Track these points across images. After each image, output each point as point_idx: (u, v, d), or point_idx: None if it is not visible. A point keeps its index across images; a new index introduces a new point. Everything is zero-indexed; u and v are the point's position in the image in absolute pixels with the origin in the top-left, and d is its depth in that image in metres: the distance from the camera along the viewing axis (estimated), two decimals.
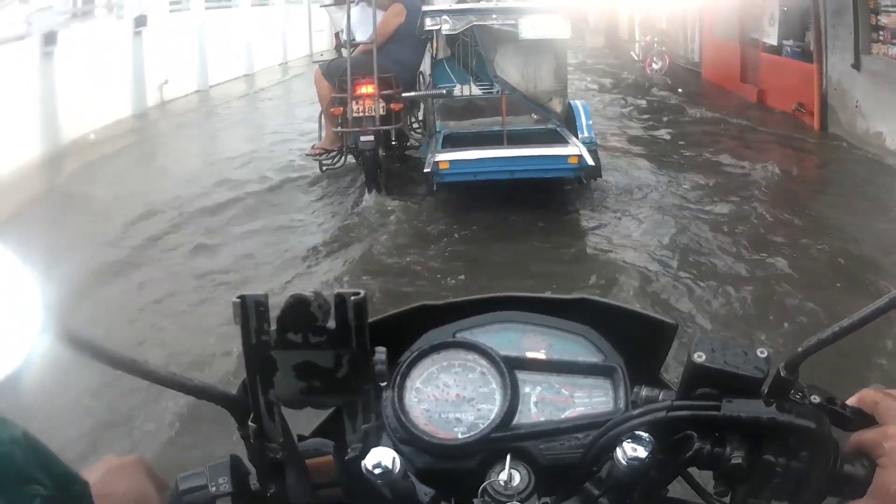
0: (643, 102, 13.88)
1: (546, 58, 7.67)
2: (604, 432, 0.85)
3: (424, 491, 0.87)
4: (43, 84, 9.61)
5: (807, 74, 11.12)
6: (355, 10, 8.04)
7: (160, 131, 11.86)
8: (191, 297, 5.49)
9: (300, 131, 10.57)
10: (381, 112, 7.26)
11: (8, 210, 7.12)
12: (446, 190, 7.09)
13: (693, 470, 0.86)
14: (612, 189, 7.71)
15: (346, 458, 0.84)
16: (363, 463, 0.80)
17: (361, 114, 7.28)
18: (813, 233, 6.52)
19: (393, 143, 7.92)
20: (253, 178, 8.35)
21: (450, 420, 0.92)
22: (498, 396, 0.92)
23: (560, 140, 7.31)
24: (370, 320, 0.92)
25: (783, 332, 4.70)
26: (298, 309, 0.76)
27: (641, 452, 0.80)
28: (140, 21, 12.63)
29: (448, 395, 0.93)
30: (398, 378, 0.93)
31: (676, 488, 0.90)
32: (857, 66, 9.83)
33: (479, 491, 0.85)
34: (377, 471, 0.79)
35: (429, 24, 7.30)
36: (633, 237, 6.51)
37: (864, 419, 0.82)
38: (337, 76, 7.56)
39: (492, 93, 7.82)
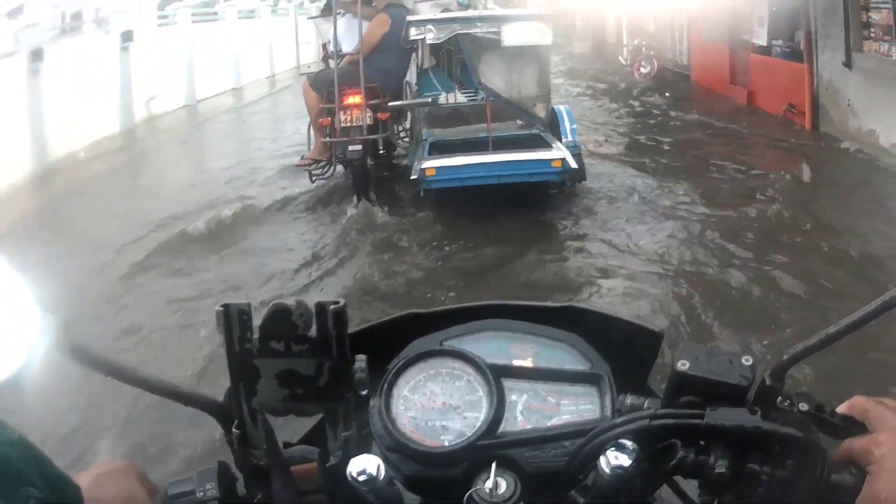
0: (631, 107, 13.97)
1: (529, 64, 7.89)
2: (588, 441, 0.87)
3: (410, 498, 0.92)
4: (30, 101, 9.77)
5: (797, 74, 11.19)
6: (341, 22, 8.21)
7: (148, 149, 11.94)
8: (168, 328, 5.29)
9: (288, 144, 10.72)
10: (369, 122, 7.42)
11: None
12: (434, 196, 7.27)
13: (679, 478, 0.89)
14: (600, 195, 7.85)
15: (328, 465, 0.86)
16: (348, 470, 0.83)
17: (349, 124, 7.44)
18: (811, 234, 6.58)
19: (381, 151, 8.11)
20: (239, 197, 8.35)
21: (436, 428, 0.94)
22: (484, 404, 0.94)
23: (544, 144, 7.51)
24: (359, 328, 1.02)
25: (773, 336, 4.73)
26: (280, 318, 0.78)
27: (625, 461, 0.82)
28: (127, 36, 12.80)
29: (435, 403, 0.96)
30: (385, 386, 0.96)
31: (663, 496, 0.94)
32: (848, 64, 9.86)
33: (465, 499, 0.87)
34: (362, 478, 0.82)
35: (414, 33, 7.52)
36: (621, 244, 6.63)
37: (854, 427, 0.82)
38: (324, 87, 7.73)
39: (476, 100, 8.07)
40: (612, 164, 9.17)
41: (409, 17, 7.87)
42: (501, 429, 0.93)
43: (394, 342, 1.02)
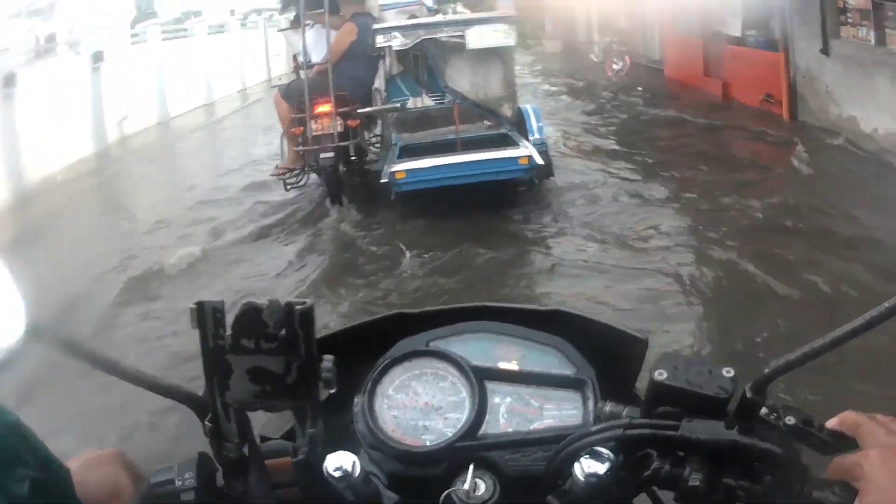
0: (604, 105, 14.08)
1: (494, 66, 8.14)
2: (563, 447, 0.88)
3: (388, 496, 0.94)
4: (4, 127, 9.93)
5: (773, 64, 11.21)
6: (310, 33, 8.49)
7: (121, 171, 11.98)
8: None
9: (260, 157, 10.87)
10: (339, 129, 7.62)
11: None
12: (406, 198, 7.51)
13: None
14: (571, 194, 8.06)
15: (295, 460, 0.88)
16: (324, 466, 0.86)
17: (320, 132, 7.64)
18: (795, 229, 6.61)
19: (352, 158, 8.32)
20: (213, 218, 8.35)
21: (418, 427, 0.96)
22: (467, 406, 0.96)
23: (511, 143, 7.76)
24: (346, 327, 1.07)
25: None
26: (250, 316, 0.80)
27: (600, 468, 0.83)
28: (97, 57, 12.99)
29: (417, 403, 0.98)
30: (370, 384, 0.98)
31: None
32: (825, 51, 9.85)
33: (442, 498, 0.89)
34: (337, 473, 0.85)
35: (380, 40, 7.77)
36: (590, 238, 6.84)
37: (844, 443, 0.81)
38: (295, 97, 7.93)
39: (444, 103, 8.33)
40: (583, 164, 9.33)
41: (375, 25, 8.09)
42: (483, 431, 0.95)
43: (381, 341, 1.05)
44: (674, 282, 5.75)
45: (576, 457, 0.85)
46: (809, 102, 10.60)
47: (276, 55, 20.69)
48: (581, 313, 1.10)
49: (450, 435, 0.93)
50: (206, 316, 0.80)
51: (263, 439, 0.97)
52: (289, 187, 8.33)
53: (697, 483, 0.81)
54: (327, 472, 0.85)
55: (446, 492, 0.89)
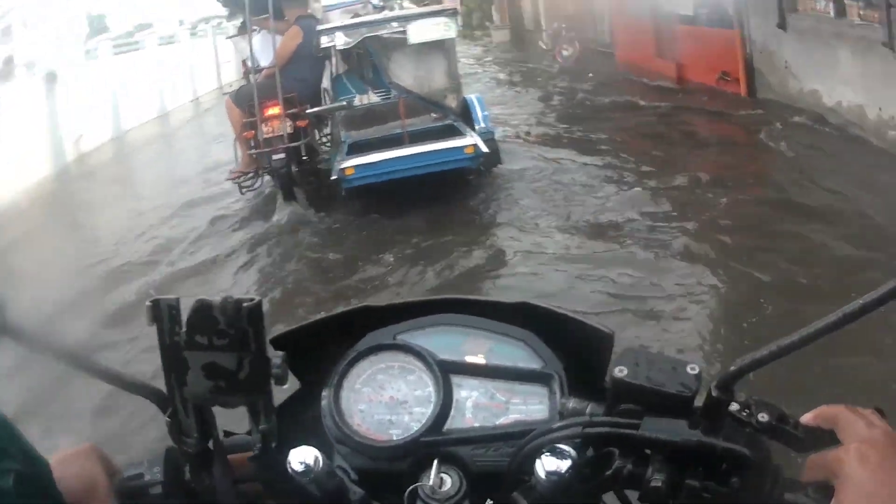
0: (553, 93, 14.20)
1: (437, 58, 8.40)
2: (524, 444, 0.88)
3: (354, 490, 0.93)
4: None
5: (728, 41, 11.23)
6: (257, 38, 8.71)
7: (79, 191, 12.06)
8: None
9: (213, 165, 10.96)
10: (289, 130, 7.86)
11: None
12: (357, 193, 7.80)
13: None
14: (519, 183, 8.28)
15: (250, 456, 0.89)
16: (288, 461, 0.86)
17: (271, 134, 7.89)
18: (765, 215, 6.51)
19: (304, 158, 8.57)
20: (173, 235, 8.38)
21: (384, 422, 0.97)
22: (432, 400, 0.97)
23: (457, 133, 8.05)
24: (312, 320, 1.09)
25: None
26: (203, 312, 0.80)
27: (561, 466, 0.83)
28: (51, 77, 13.10)
29: (383, 397, 0.99)
30: (336, 378, 0.99)
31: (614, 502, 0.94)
32: (782, 25, 9.84)
33: (407, 494, 0.90)
34: (300, 468, 0.85)
35: (324, 41, 8.03)
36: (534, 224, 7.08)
37: (822, 438, 0.79)
38: (246, 102, 8.17)
39: (389, 98, 8.61)
40: (534, 153, 9.51)
41: (319, 27, 8.34)
42: (449, 426, 0.96)
43: (348, 335, 1.06)
44: (632, 260, 5.96)
45: (537, 454, 0.85)
46: (768, 78, 10.66)
47: (226, 62, 20.85)
48: (548, 306, 1.09)
49: (415, 429, 0.95)
50: (162, 313, 0.82)
51: (228, 434, 0.99)
52: (244, 190, 8.58)
53: (659, 484, 0.80)
54: (290, 467, 0.86)
55: (411, 487, 0.90)
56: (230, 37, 11.49)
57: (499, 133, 9.69)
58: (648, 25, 14.52)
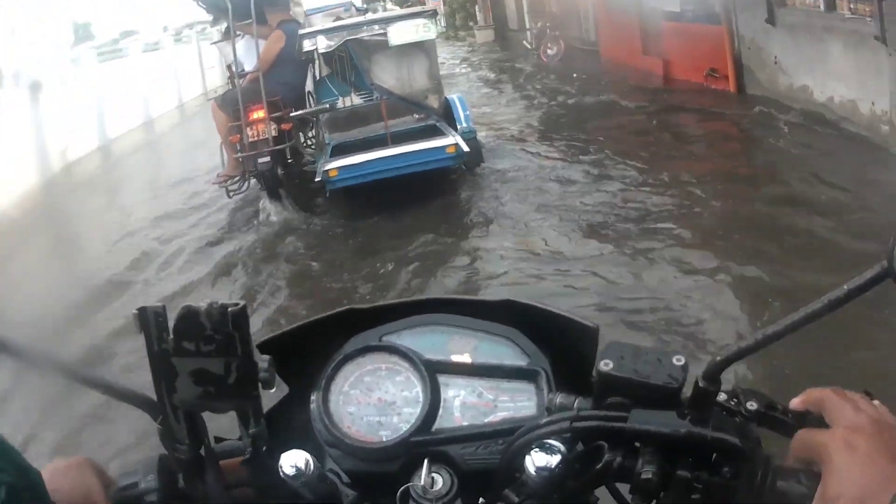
0: (538, 92, 14.20)
1: (417, 60, 8.56)
2: (513, 441, 0.89)
3: (346, 493, 0.95)
4: None
5: (716, 37, 11.13)
6: (241, 43, 8.89)
7: (67, 202, 12.01)
8: None
9: (200, 172, 10.97)
10: (274, 133, 8.04)
11: None
12: (342, 194, 7.97)
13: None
14: (503, 188, 8.29)
15: (242, 460, 0.91)
16: (279, 465, 0.87)
17: (256, 138, 8.05)
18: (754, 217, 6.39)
19: (289, 160, 8.72)
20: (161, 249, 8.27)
21: (373, 423, 0.97)
22: (420, 400, 0.98)
23: (438, 133, 8.23)
24: (298, 324, 1.09)
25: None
26: (190, 319, 0.81)
27: (550, 461, 0.83)
28: (35, 87, 13.15)
29: (372, 399, 0.99)
30: (324, 381, 1.00)
31: (607, 496, 0.94)
32: (771, 20, 9.79)
33: (399, 494, 0.91)
34: (291, 472, 0.87)
35: (306, 45, 8.17)
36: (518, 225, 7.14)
37: (812, 422, 0.80)
38: (231, 106, 8.31)
39: (372, 100, 8.80)
40: (519, 155, 9.54)
41: (301, 31, 8.49)
42: (437, 425, 0.97)
43: (334, 338, 1.07)
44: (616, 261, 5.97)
45: (526, 450, 0.85)
46: (757, 74, 10.64)
47: (210, 68, 20.92)
48: (532, 302, 1.09)
49: (404, 430, 0.95)
50: (149, 320, 0.82)
51: (219, 440, 1.01)
52: (231, 194, 8.73)
53: (650, 476, 0.80)
54: (282, 471, 0.88)
55: (403, 487, 0.91)
56: (214, 42, 11.59)
57: (483, 134, 9.88)
58: (634, 23, 14.51)
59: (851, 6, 8.23)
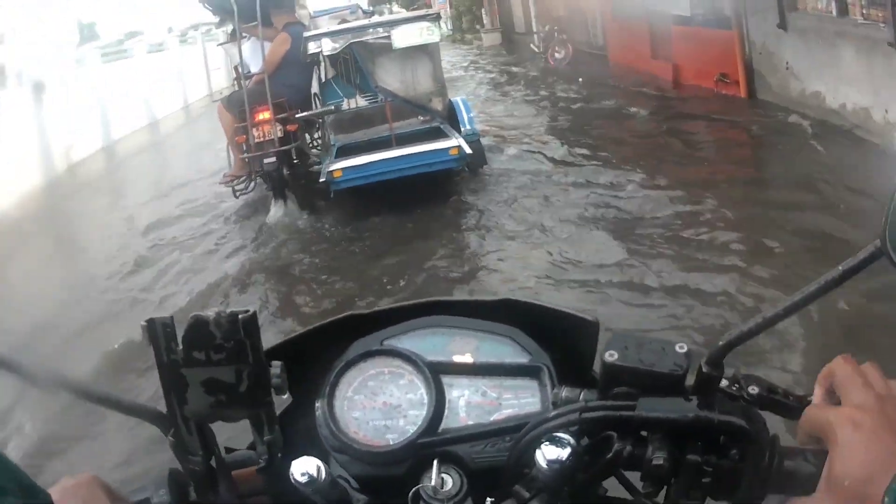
0: (543, 98, 14.23)
1: (421, 62, 8.77)
2: (522, 436, 0.89)
3: (357, 497, 0.96)
4: None
5: (726, 42, 11.13)
6: (247, 45, 9.14)
7: (70, 204, 12.02)
8: None
9: (204, 174, 11.17)
10: (279, 134, 8.26)
11: None
12: (346, 195, 8.19)
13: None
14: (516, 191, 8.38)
15: (258, 468, 0.91)
16: (290, 472, 0.88)
17: (262, 139, 8.26)
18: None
19: (295, 161, 8.92)
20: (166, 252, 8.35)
21: (379, 427, 0.98)
22: (425, 402, 0.99)
23: (442, 135, 8.47)
24: (299, 332, 1.12)
25: None
26: (198, 329, 0.82)
27: (561, 454, 0.84)
28: (38, 87, 13.35)
29: (376, 403, 1.00)
30: (328, 388, 1.00)
31: (618, 486, 0.95)
32: (783, 25, 9.75)
33: (410, 496, 0.92)
34: (303, 479, 0.87)
35: (311, 47, 8.37)
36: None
37: (814, 400, 0.82)
38: (237, 107, 8.55)
39: (377, 102, 9.03)
40: (521, 160, 9.65)
41: (306, 33, 8.70)
42: (444, 426, 0.98)
43: (336, 344, 1.08)
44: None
45: (536, 444, 0.86)
46: (768, 79, 10.60)
47: (216, 69, 21.17)
48: (530, 300, 1.12)
49: (411, 432, 0.96)
50: (157, 332, 0.83)
51: (229, 450, 1.01)
52: (238, 194, 8.97)
53: (661, 461, 0.81)
54: (294, 478, 0.88)
55: (414, 489, 0.92)
56: (221, 44, 11.85)
57: (489, 137, 10.12)
58: (643, 27, 14.60)
59: (864, 11, 8.20)
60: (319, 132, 10.05)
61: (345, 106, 9.20)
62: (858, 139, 8.28)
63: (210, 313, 0.82)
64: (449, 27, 31.45)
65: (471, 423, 1.00)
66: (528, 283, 6.04)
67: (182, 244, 8.40)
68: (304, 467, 0.87)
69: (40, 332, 6.09)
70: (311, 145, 9.94)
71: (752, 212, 6.71)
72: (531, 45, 20.34)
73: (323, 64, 9.62)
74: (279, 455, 0.89)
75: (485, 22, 27.61)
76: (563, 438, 0.84)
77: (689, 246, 6.18)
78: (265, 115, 8.29)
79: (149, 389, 4.40)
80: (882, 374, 0.80)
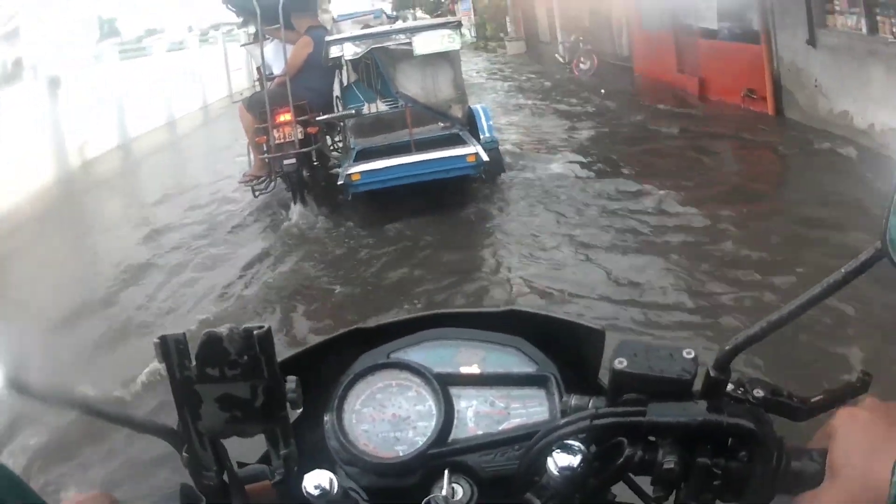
0: (569, 106, 14.35)
1: (442, 69, 8.92)
2: (533, 444, 0.92)
3: None
4: None
5: (754, 57, 11.14)
6: (269, 47, 9.47)
7: (83, 204, 12.27)
8: None
9: (222, 176, 11.34)
10: (300, 136, 8.56)
11: None
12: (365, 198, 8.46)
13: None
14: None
15: (273, 482, 0.94)
16: (303, 485, 0.90)
17: (282, 140, 8.57)
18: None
19: (315, 163, 9.17)
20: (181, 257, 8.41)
21: (389, 439, 1.01)
22: (434, 413, 1.02)
23: (461, 142, 8.73)
24: (306, 347, 1.16)
25: None
26: (212, 345, 0.84)
27: (573, 461, 0.86)
28: (54, 82, 13.60)
29: (385, 415, 1.03)
30: (337, 401, 1.03)
31: (626, 492, 0.97)
32: (812, 41, 9.73)
33: None
34: (316, 492, 0.90)
35: (333, 51, 8.56)
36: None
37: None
38: (258, 108, 8.83)
39: (397, 107, 9.34)
40: (544, 171, 9.72)
41: (328, 37, 8.89)
42: (453, 436, 1.01)
43: (343, 358, 1.11)
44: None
45: (547, 452, 0.87)
46: (796, 97, 10.56)
47: (236, 70, 21.30)
48: (536, 310, 1.14)
49: (421, 443, 0.98)
50: (170, 349, 0.84)
51: (241, 465, 1.02)
52: (257, 193, 9.26)
53: (672, 466, 0.83)
54: (306, 492, 0.90)
55: (425, 500, 0.93)
56: (244, 44, 12.13)
57: (508, 146, 10.30)
58: (669, 39, 14.75)
59: (894, 30, 8.27)
60: (340, 135, 10.30)
61: (365, 110, 9.54)
62: (887, 161, 8.07)
63: (223, 329, 0.85)
64: (472, 34, 31.82)
65: (480, 432, 1.03)
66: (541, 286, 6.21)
67: (192, 247, 8.62)
68: (317, 480, 0.90)
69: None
70: (331, 148, 10.18)
71: (768, 232, 6.73)
72: (556, 56, 20.49)
73: (345, 68, 9.92)
74: (296, 468, 0.92)
75: (509, 30, 27.81)
76: (574, 446, 0.87)
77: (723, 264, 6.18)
78: (286, 116, 8.59)
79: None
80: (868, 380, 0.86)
